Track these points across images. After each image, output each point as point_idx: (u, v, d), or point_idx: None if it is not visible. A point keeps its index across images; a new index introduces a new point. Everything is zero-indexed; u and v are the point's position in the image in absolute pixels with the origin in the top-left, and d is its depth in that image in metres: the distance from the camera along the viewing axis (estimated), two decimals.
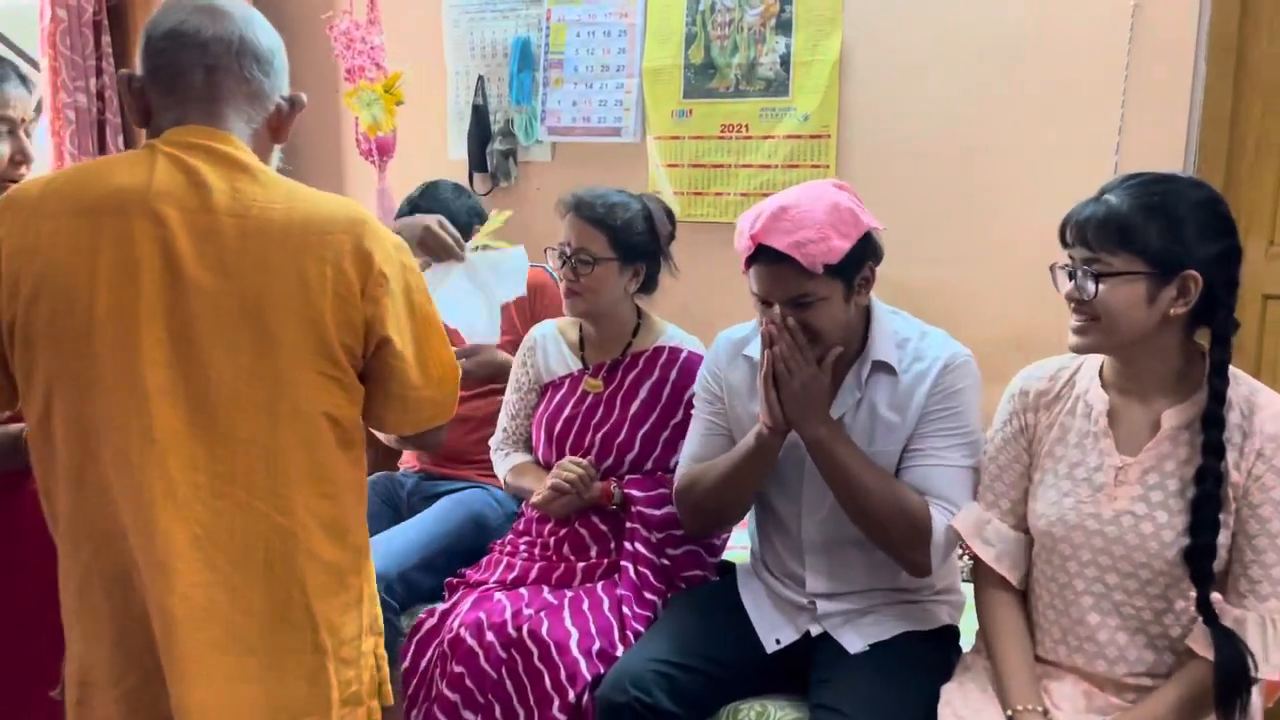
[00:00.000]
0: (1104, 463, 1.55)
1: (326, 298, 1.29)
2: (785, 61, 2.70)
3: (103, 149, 3.49)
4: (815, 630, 1.81)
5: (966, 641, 1.80)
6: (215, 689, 1.29)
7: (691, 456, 1.91)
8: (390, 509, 2.42)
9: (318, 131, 3.65)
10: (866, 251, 1.71)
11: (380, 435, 1.52)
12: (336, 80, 3.23)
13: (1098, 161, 2.39)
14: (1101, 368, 1.60)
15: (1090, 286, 1.47)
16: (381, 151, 3.24)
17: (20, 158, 1.63)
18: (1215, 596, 1.45)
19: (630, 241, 2.03)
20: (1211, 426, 1.44)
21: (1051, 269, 1.57)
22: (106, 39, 3.85)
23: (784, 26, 2.69)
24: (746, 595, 1.88)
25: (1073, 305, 1.52)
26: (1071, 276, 1.51)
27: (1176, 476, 1.50)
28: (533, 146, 3.18)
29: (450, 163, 3.35)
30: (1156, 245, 1.44)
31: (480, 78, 3.22)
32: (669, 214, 2.13)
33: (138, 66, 1.36)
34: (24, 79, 1.62)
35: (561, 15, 3.03)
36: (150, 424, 1.26)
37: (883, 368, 1.76)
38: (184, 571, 1.27)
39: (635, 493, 1.99)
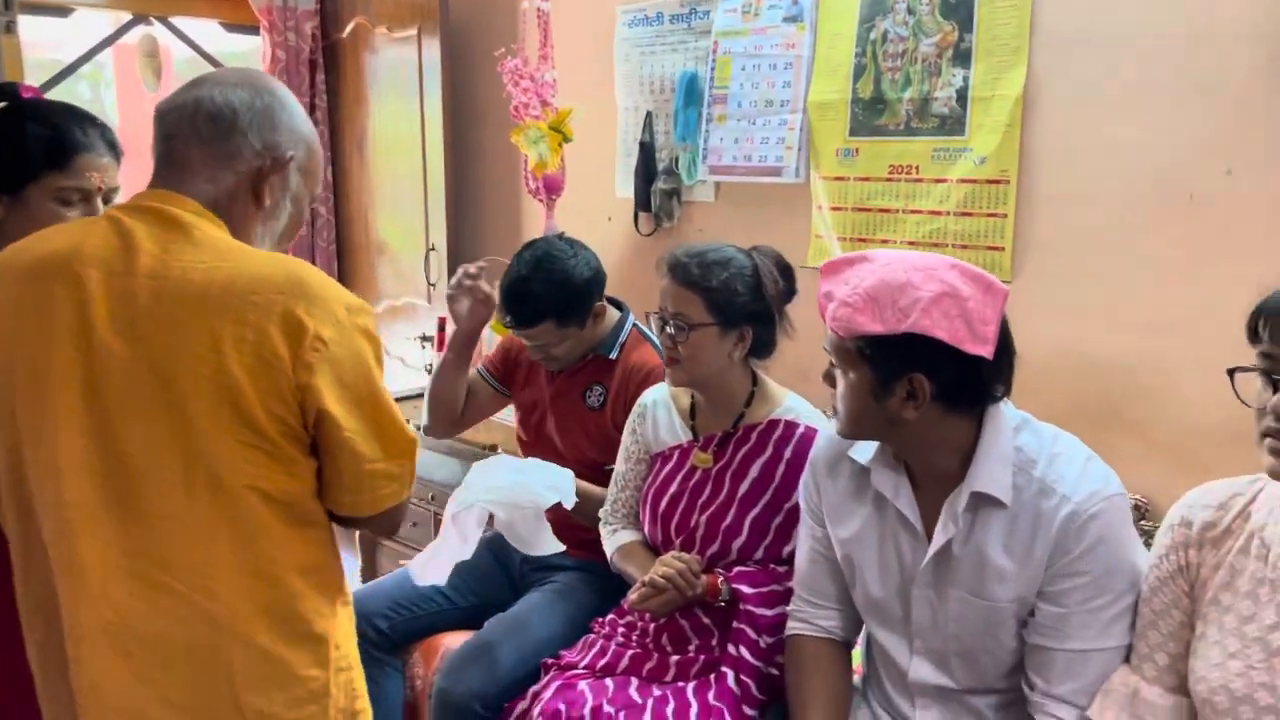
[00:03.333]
0: None
1: (244, 363, 1.19)
2: (962, 97, 2.39)
3: None
4: None
5: None
6: None
7: (799, 582, 1.70)
8: (502, 570, 2.33)
9: (496, 170, 3.66)
10: (918, 358, 1.39)
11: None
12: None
13: None
14: None
15: None
16: (549, 189, 3.19)
17: None
18: None
19: (732, 304, 1.83)
20: None
21: (1232, 373, 1.24)
22: (321, 77, 4.07)
23: (962, 58, 2.39)
24: None
25: (1273, 420, 1.19)
26: (1276, 387, 1.18)
27: None
28: (696, 186, 3.02)
29: (617, 201, 3.25)
30: None
31: (649, 114, 3.10)
32: (785, 269, 1.90)
33: None
34: (112, 145, 1.62)
35: (728, 48, 2.85)
36: (62, 499, 1.20)
37: (989, 500, 1.46)
38: (90, 659, 1.21)
39: (745, 589, 1.78)
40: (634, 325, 2.35)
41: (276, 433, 1.23)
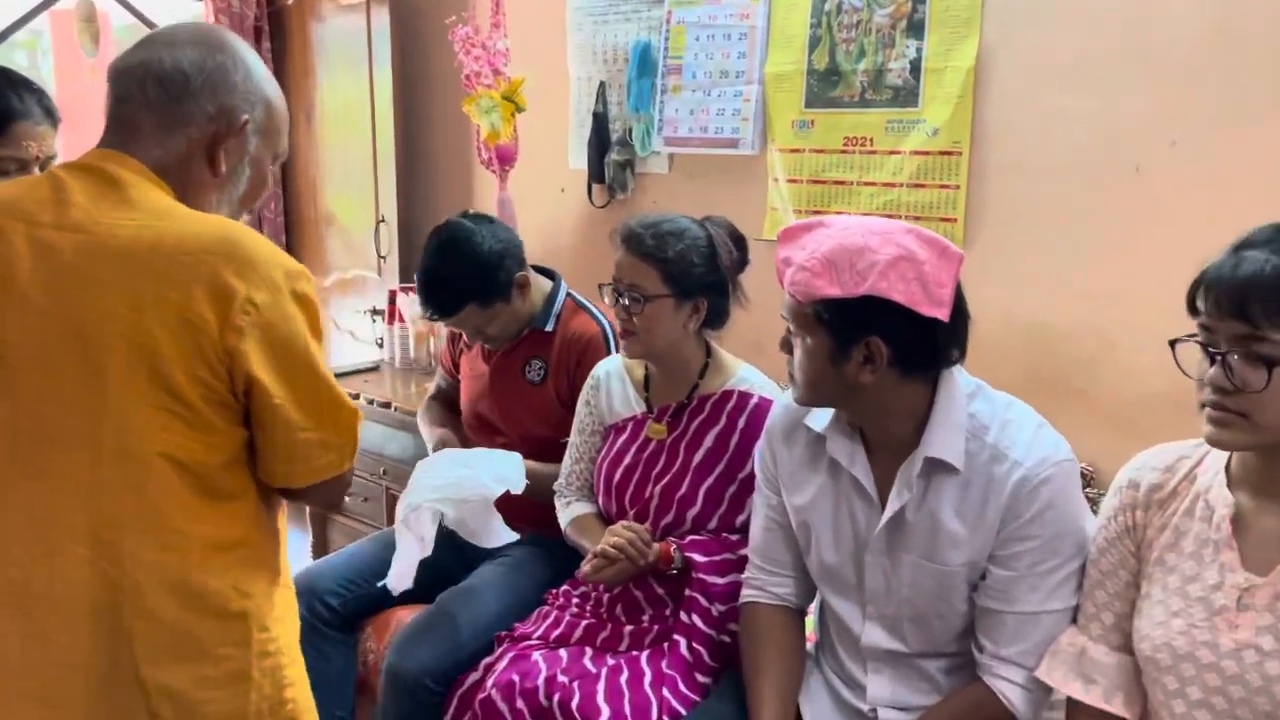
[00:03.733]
0: (1225, 581, 1.24)
1: (166, 324, 1.15)
2: (916, 68, 2.40)
3: None
4: None
5: None
6: None
7: (754, 549, 1.71)
8: (454, 545, 2.31)
9: (447, 140, 3.61)
10: (874, 321, 1.39)
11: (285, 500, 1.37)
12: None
13: None
14: (1230, 461, 1.28)
15: (1257, 375, 1.14)
16: (502, 160, 3.16)
17: None
18: None
19: (687, 275, 1.82)
20: None
21: (1173, 344, 1.25)
22: (267, 44, 3.97)
23: (916, 28, 2.39)
24: (803, 692, 1.65)
25: (1210, 392, 1.20)
26: (1214, 359, 1.19)
27: None
28: (650, 157, 3.00)
29: (571, 173, 3.22)
30: None
31: (602, 84, 3.08)
32: (738, 239, 1.90)
33: None
34: (50, 112, 1.57)
35: (681, 18, 2.83)
36: None
37: (942, 466, 1.47)
38: None
39: (698, 557, 1.78)
40: (569, 294, 2.31)
41: (199, 398, 1.19)
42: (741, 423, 1.86)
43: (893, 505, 1.49)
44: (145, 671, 1.19)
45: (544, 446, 2.18)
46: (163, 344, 1.16)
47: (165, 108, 1.25)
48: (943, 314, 1.38)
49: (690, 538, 1.84)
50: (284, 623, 1.32)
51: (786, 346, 1.51)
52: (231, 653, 1.25)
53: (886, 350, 1.41)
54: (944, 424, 1.46)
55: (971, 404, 1.48)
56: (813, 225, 1.45)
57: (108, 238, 1.18)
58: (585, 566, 1.79)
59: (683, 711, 1.68)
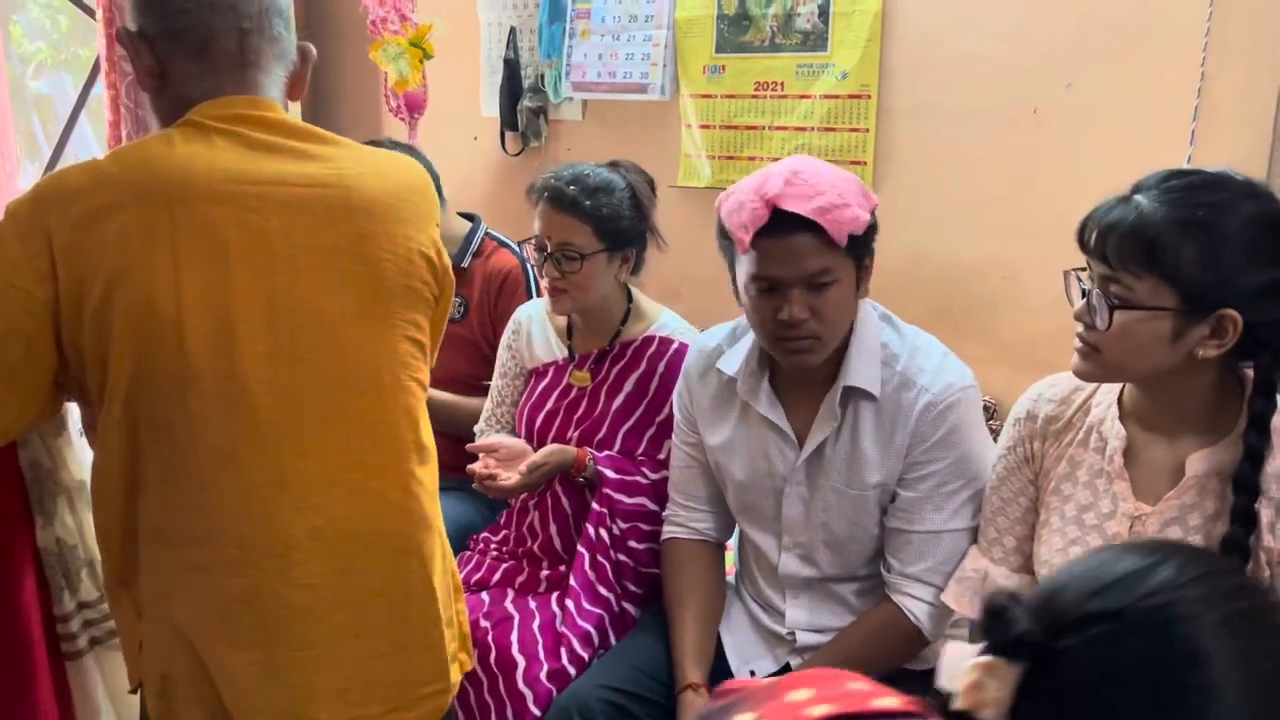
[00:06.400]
0: (1117, 509, 1.31)
1: (416, 262, 1.29)
2: (824, 12, 2.42)
3: None
4: (795, 663, 1.63)
5: None
6: (343, 673, 1.27)
7: (674, 487, 1.75)
8: None
9: (354, 88, 3.52)
10: (874, 234, 1.50)
11: None
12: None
13: (1175, 120, 2.07)
14: (1121, 394, 1.35)
15: (1104, 314, 1.20)
16: (411, 108, 3.09)
17: None
18: None
19: (619, 229, 1.83)
20: (1242, 490, 1.19)
21: (1066, 276, 1.31)
22: None
23: None
24: (724, 622, 1.71)
25: (1081, 326, 1.27)
26: (1085, 293, 1.25)
27: (1203, 533, 1.25)
28: (563, 104, 2.98)
29: (483, 120, 3.18)
30: (1190, 273, 1.16)
31: (513, 29, 3.03)
32: (650, 184, 1.92)
33: (136, 21, 1.23)
34: None
35: None
36: (256, 418, 1.20)
37: (861, 394, 1.52)
38: (303, 563, 1.23)
39: (609, 472, 1.82)
40: (488, 233, 2.34)
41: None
42: (661, 367, 1.89)
43: (815, 438, 1.54)
44: (431, 576, 1.34)
45: (470, 385, 2.20)
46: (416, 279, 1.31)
47: (285, 41, 1.28)
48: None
49: (607, 453, 1.86)
50: None
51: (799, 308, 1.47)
52: (441, 543, 1.40)
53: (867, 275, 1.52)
54: (861, 353, 1.52)
55: (883, 334, 1.55)
56: (787, 176, 1.44)
57: (352, 188, 1.26)
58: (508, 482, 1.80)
59: (588, 627, 1.72)
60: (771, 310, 1.46)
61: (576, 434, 1.90)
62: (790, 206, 1.40)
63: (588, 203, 1.80)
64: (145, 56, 1.23)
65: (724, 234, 1.51)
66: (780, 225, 1.41)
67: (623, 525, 1.81)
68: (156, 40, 1.22)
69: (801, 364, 1.50)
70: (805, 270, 1.44)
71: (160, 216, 1.16)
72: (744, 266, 1.48)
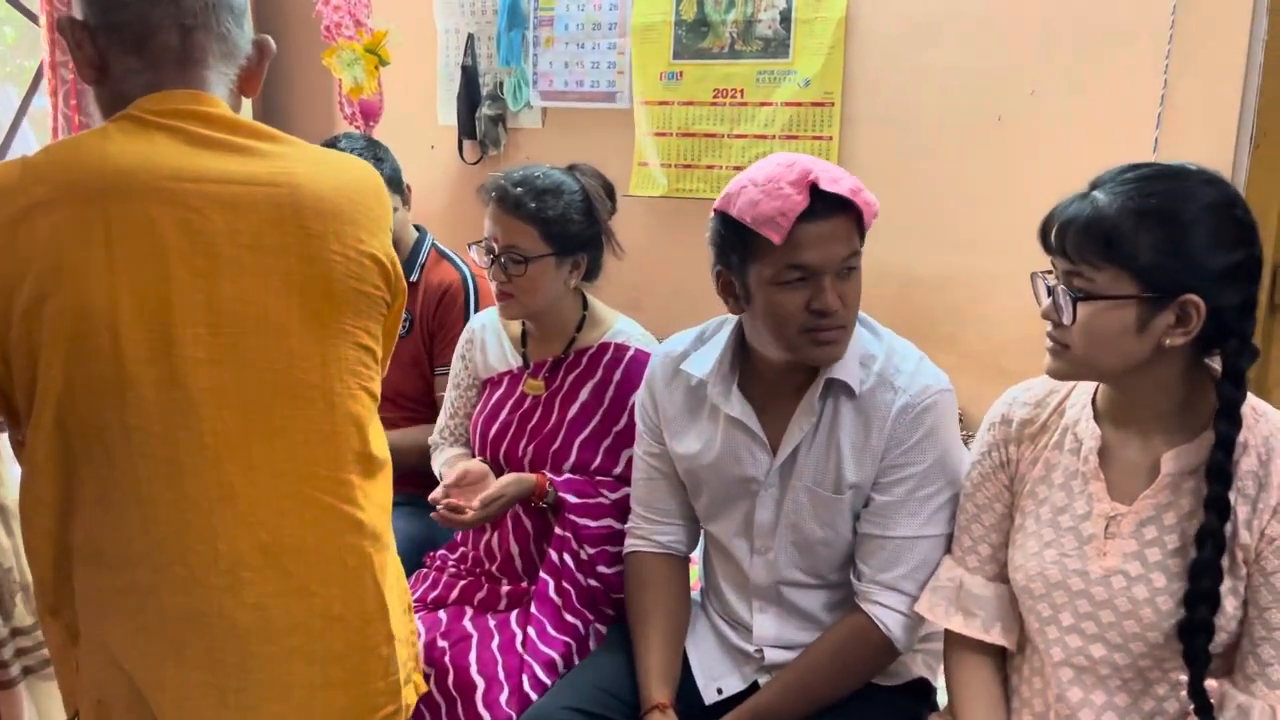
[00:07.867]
0: (1093, 510, 1.29)
1: (367, 265, 1.23)
2: (786, 18, 2.40)
3: None
4: (763, 681, 1.58)
5: (945, 697, 1.55)
6: (295, 701, 1.20)
7: (637, 500, 1.69)
8: None
9: (307, 95, 3.46)
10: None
11: None
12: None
13: (1139, 125, 2.07)
14: (1095, 395, 1.33)
15: (1068, 309, 1.19)
16: (366, 115, 3.04)
17: None
18: (1211, 683, 1.20)
19: (567, 232, 1.77)
20: (1216, 480, 1.17)
21: (1033, 278, 1.30)
22: None
23: None
24: (690, 638, 1.65)
25: (1049, 325, 1.25)
26: (1050, 290, 1.24)
27: (1178, 531, 1.23)
28: (523, 112, 2.93)
29: (440, 128, 3.13)
30: (1148, 260, 1.15)
31: (470, 36, 2.99)
32: (608, 189, 1.86)
33: (82, 10, 1.17)
34: None
35: None
36: (200, 428, 1.13)
37: (841, 388, 1.49)
38: (253, 582, 1.17)
39: (570, 498, 1.75)
40: (433, 245, 2.31)
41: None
42: (617, 375, 1.83)
43: (791, 439, 1.50)
44: (383, 594, 1.26)
45: (416, 404, 2.14)
46: (367, 283, 1.24)
47: (233, 37, 1.22)
48: None
49: (566, 476, 1.80)
50: None
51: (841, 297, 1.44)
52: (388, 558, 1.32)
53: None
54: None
55: (859, 335, 1.51)
56: (791, 162, 1.41)
57: (296, 186, 1.19)
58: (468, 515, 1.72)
59: (554, 655, 1.66)
60: (801, 302, 1.41)
61: (531, 445, 1.84)
62: (829, 187, 1.36)
63: (533, 204, 1.75)
64: (86, 48, 1.18)
65: (734, 236, 1.43)
66: (819, 209, 1.37)
67: (590, 550, 1.75)
68: (98, 32, 1.17)
69: (830, 356, 1.45)
70: (840, 254, 1.40)
71: (94, 214, 1.10)
72: (771, 261, 1.40)
